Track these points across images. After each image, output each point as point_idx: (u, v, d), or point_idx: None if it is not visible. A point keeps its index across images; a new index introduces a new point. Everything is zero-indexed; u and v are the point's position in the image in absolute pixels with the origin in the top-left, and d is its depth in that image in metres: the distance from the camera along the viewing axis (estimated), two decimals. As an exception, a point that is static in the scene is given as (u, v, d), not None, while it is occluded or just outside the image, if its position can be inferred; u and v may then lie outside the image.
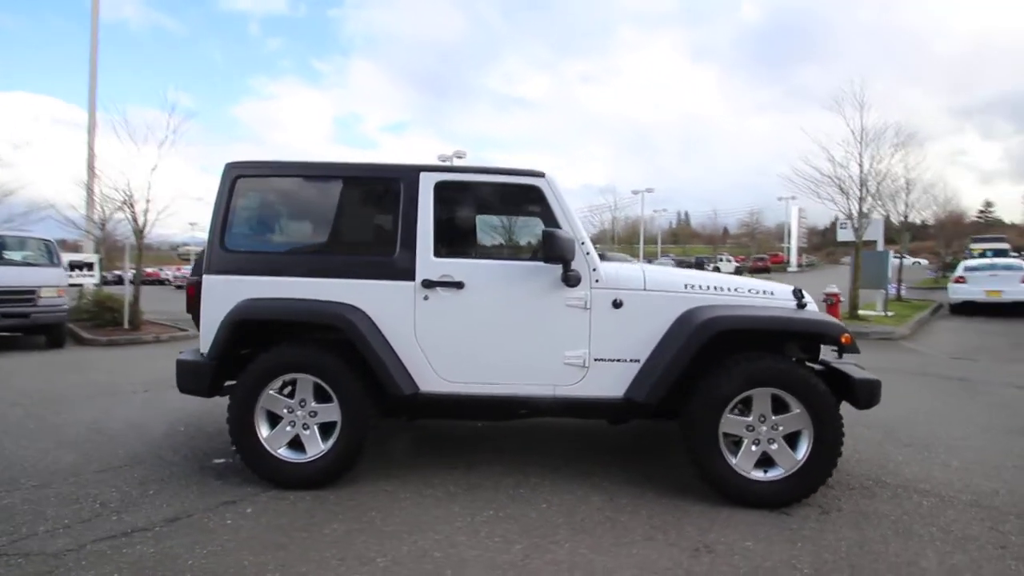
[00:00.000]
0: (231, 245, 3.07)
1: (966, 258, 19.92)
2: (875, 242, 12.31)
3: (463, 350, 2.97)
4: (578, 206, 16.89)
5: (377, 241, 3.14)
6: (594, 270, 2.94)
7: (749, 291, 3.06)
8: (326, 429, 2.96)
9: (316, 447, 2.94)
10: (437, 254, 2.98)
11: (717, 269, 30.32)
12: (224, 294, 3.02)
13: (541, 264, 2.93)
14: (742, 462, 2.81)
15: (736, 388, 2.77)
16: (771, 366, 2.78)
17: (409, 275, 2.96)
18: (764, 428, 2.81)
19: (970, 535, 2.53)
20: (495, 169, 3.09)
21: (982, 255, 18.31)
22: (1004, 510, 2.78)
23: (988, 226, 42.90)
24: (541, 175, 3.03)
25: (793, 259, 33.97)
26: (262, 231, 3.24)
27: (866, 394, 2.83)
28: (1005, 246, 23.73)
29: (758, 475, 2.81)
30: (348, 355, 2.91)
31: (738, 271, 31.09)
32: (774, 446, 2.81)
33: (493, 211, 3.54)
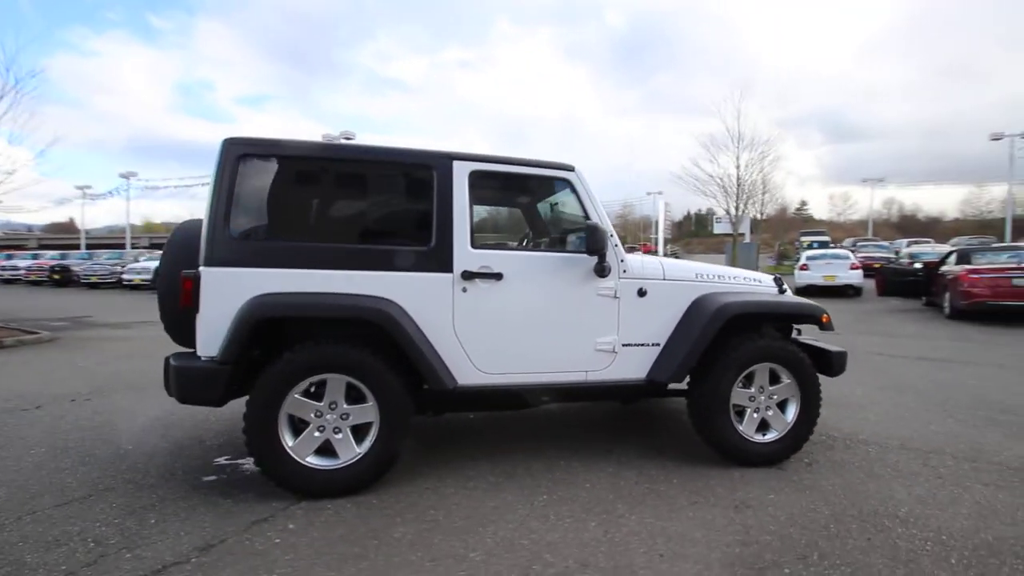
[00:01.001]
0: (238, 234, 2.71)
1: (797, 249, 23.70)
2: (744, 234, 14.29)
3: (501, 341, 2.98)
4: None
5: (410, 231, 2.98)
6: (622, 261, 3.13)
7: (744, 279, 3.48)
8: (358, 431, 2.79)
9: (350, 451, 2.76)
10: (474, 245, 2.94)
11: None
12: (231, 289, 2.67)
13: (575, 255, 3.06)
14: (747, 428, 3.22)
15: (744, 365, 3.16)
16: (771, 344, 3.22)
17: (447, 266, 2.89)
18: (763, 397, 3.25)
19: (913, 471, 3.20)
20: (526, 161, 3.11)
21: (810, 246, 22.06)
22: (925, 449, 3.54)
23: (804, 221, 51.62)
24: (571, 168, 3.13)
25: (660, 248, 38.02)
26: (274, 218, 2.89)
27: (839, 364, 3.41)
28: (827, 238, 28.85)
29: (759, 438, 3.24)
30: (381, 352, 2.77)
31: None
32: (770, 412, 3.26)
33: (522, 202, 3.54)
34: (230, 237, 2.69)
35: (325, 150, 2.86)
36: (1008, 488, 2.95)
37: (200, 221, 3.22)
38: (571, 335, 3.08)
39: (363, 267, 2.80)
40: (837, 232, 41.37)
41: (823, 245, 23.20)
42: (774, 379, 3.27)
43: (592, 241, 2.90)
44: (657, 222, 38.20)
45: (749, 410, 3.24)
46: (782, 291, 3.52)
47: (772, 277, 3.59)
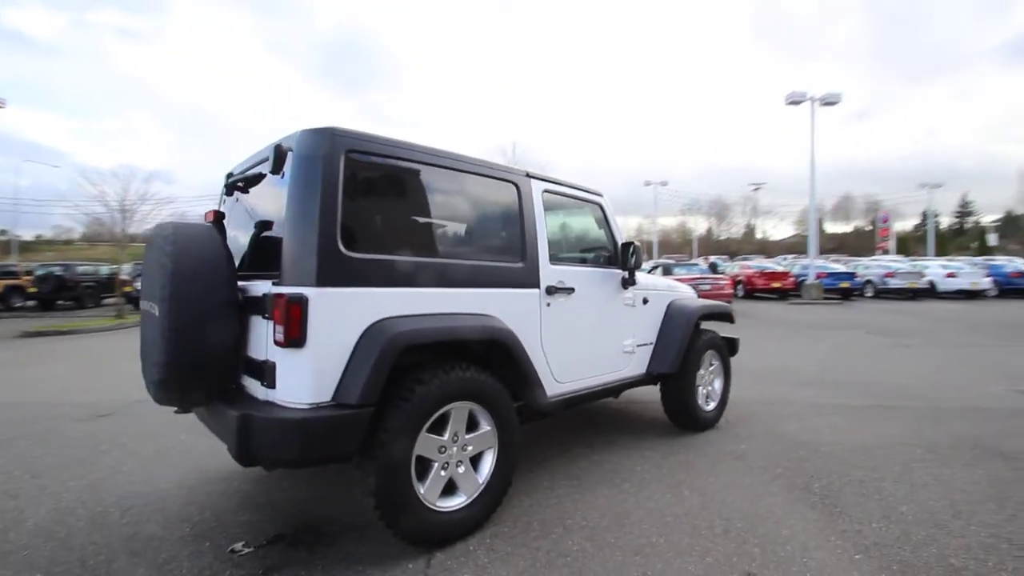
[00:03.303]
0: (351, 248, 2.22)
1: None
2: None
3: (572, 351, 3.18)
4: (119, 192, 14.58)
5: (505, 247, 2.88)
6: (635, 274, 3.71)
7: (685, 289, 4.48)
8: (474, 461, 2.61)
9: (473, 484, 2.55)
10: (551, 261, 3.07)
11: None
12: (348, 313, 2.20)
13: (613, 270, 3.50)
14: (702, 403, 4.20)
15: (702, 354, 4.14)
16: (713, 337, 4.28)
17: (535, 282, 2.95)
18: (708, 377, 4.29)
19: (790, 414, 4.69)
20: (574, 184, 3.39)
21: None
22: (770, 402, 5.18)
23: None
24: (601, 195, 3.56)
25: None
26: (383, 230, 2.39)
27: (736, 347, 4.71)
28: None
29: (707, 408, 4.26)
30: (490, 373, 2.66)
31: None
32: (711, 388, 4.33)
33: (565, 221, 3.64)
34: (346, 251, 2.18)
35: (428, 155, 2.55)
36: (841, 414, 4.66)
37: (199, 226, 2.45)
38: (611, 340, 3.50)
39: (471, 284, 2.64)
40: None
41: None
42: (710, 363, 4.35)
43: (636, 259, 3.41)
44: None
45: (701, 388, 4.23)
46: (699, 295, 4.68)
47: (692, 286, 4.72)
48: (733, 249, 51.56)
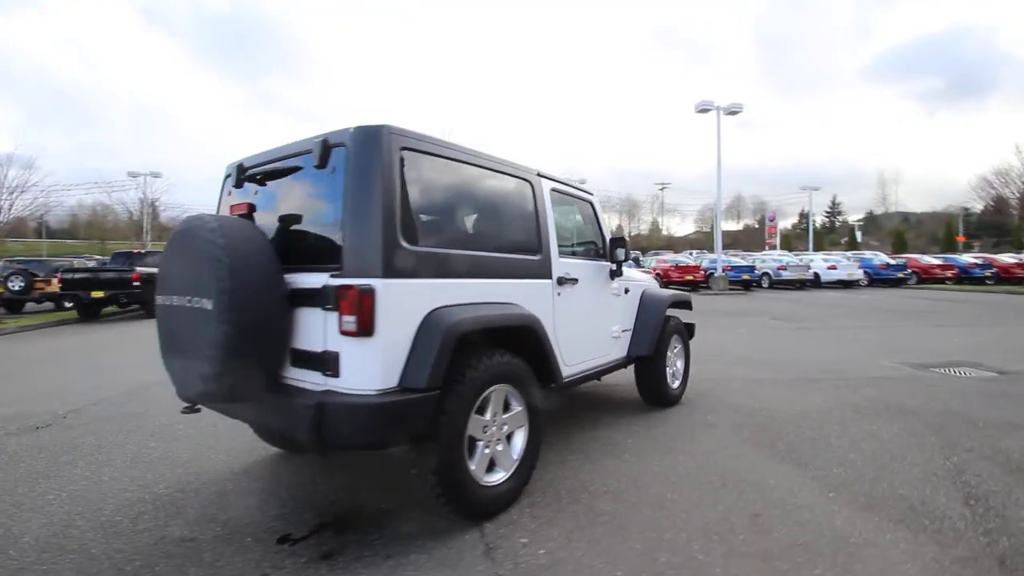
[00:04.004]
0: (410, 241, 2.33)
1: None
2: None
3: (576, 337, 3.46)
4: None
5: (525, 241, 3.07)
6: (622, 266, 4.07)
7: (652, 281, 4.93)
8: (508, 439, 2.81)
9: (509, 460, 2.76)
10: (559, 254, 3.33)
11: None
12: (409, 303, 2.34)
13: (604, 263, 3.84)
14: (671, 381, 4.68)
15: (670, 338, 4.61)
16: (678, 323, 4.78)
17: (548, 274, 3.20)
18: (673, 358, 4.78)
19: (736, 387, 5.34)
20: (573, 183, 3.66)
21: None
22: (711, 379, 5.83)
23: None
24: (592, 194, 3.88)
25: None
26: (432, 224, 2.49)
27: (693, 332, 5.25)
28: None
29: (674, 387, 4.75)
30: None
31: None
32: (675, 368, 4.83)
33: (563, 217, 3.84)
34: (403, 244, 2.30)
35: (466, 154, 2.70)
36: (777, 387, 5.37)
37: (243, 220, 2.47)
38: (603, 327, 3.83)
39: (500, 275, 2.84)
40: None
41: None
42: (675, 346, 4.85)
43: (625, 252, 3.76)
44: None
45: (669, 368, 4.71)
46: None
47: (653, 276, 5.19)
48: (643, 244, 55.13)
